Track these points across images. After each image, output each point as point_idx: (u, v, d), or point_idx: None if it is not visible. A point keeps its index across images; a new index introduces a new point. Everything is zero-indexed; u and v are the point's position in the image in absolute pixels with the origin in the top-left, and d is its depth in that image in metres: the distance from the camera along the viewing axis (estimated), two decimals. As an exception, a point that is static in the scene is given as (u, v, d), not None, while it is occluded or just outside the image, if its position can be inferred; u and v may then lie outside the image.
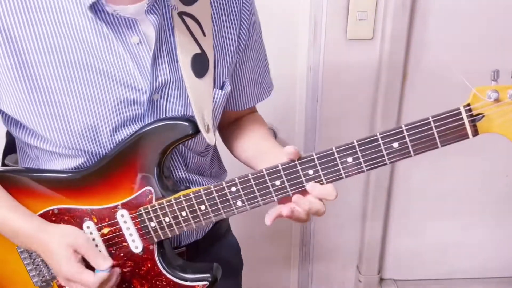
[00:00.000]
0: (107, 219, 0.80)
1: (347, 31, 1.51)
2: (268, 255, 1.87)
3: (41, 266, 0.85)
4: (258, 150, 0.90)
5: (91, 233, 0.81)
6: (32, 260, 0.85)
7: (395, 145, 0.69)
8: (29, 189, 0.81)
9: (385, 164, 0.70)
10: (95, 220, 0.80)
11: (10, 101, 0.73)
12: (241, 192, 0.75)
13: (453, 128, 0.67)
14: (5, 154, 0.96)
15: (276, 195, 0.74)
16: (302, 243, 1.84)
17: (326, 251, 1.89)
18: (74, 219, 0.80)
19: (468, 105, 0.66)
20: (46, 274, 0.86)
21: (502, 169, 1.77)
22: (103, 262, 0.78)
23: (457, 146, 2.04)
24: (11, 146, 0.93)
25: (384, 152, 0.69)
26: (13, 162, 0.93)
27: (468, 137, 0.68)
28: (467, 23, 1.52)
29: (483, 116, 0.66)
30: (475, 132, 0.67)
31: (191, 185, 0.88)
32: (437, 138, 0.68)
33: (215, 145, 0.99)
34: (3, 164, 0.95)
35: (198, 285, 0.82)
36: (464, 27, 1.53)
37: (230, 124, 0.99)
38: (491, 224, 1.87)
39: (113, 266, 0.79)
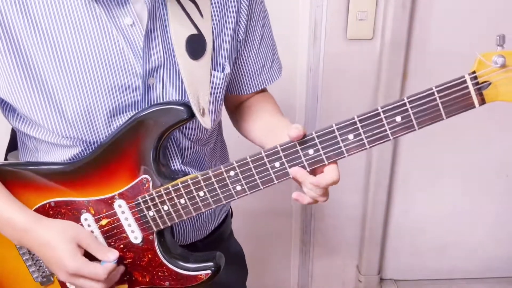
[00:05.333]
0: (104, 211, 0.79)
1: (347, 31, 1.51)
2: (268, 255, 1.87)
3: (41, 261, 0.85)
4: (266, 128, 0.87)
5: (89, 225, 0.80)
6: (31, 256, 0.84)
7: (398, 119, 0.66)
8: (25, 183, 0.80)
9: (389, 139, 0.68)
10: (93, 212, 0.79)
11: (3, 85, 0.72)
12: (240, 176, 0.73)
13: (459, 98, 0.64)
14: (8, 151, 0.96)
15: (276, 178, 0.73)
16: (302, 242, 1.84)
17: (326, 251, 1.89)
18: (72, 211, 0.79)
19: (473, 72, 0.62)
20: (46, 269, 0.85)
21: (502, 169, 1.77)
22: (110, 253, 0.77)
23: (457, 145, 2.02)
24: (15, 142, 0.92)
25: (387, 127, 0.67)
26: (15, 159, 0.92)
27: (474, 107, 0.64)
28: (467, 23, 1.52)
29: (490, 83, 0.62)
30: (482, 101, 0.64)
31: None
32: (441, 109, 0.65)
33: (219, 136, 0.98)
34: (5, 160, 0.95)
35: (201, 275, 0.80)
36: (464, 27, 1.53)
37: (239, 105, 0.96)
38: (491, 224, 1.87)
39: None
